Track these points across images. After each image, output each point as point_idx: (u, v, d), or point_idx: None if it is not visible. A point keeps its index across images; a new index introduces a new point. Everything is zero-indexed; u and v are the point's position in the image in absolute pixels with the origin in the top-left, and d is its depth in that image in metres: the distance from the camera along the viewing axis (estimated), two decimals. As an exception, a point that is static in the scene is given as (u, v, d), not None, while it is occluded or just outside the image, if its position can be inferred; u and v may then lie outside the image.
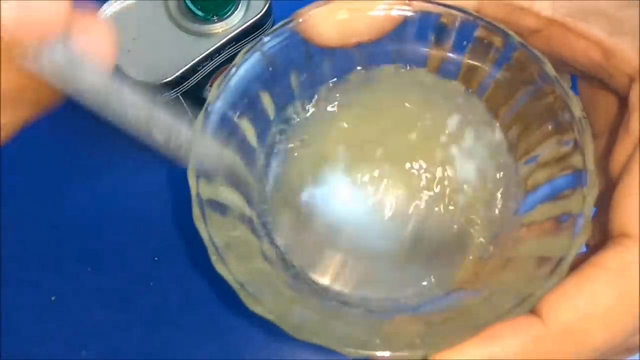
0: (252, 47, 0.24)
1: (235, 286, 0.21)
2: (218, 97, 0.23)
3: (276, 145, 0.27)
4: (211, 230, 0.21)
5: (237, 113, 0.24)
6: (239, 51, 0.32)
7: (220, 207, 0.23)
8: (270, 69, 0.25)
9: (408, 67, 0.27)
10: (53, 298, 0.36)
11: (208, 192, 0.22)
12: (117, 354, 0.35)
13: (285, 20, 0.24)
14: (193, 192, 0.22)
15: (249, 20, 0.31)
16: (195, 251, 0.36)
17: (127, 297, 0.36)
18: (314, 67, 0.26)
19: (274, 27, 0.24)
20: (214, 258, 0.21)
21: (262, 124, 0.26)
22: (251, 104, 0.25)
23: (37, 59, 0.16)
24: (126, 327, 0.35)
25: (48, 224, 0.38)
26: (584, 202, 0.21)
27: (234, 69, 0.24)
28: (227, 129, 0.24)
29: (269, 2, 0.31)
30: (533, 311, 0.20)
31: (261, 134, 0.26)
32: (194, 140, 0.21)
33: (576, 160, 0.22)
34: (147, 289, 0.36)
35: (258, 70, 0.25)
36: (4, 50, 0.16)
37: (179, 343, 0.35)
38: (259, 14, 0.31)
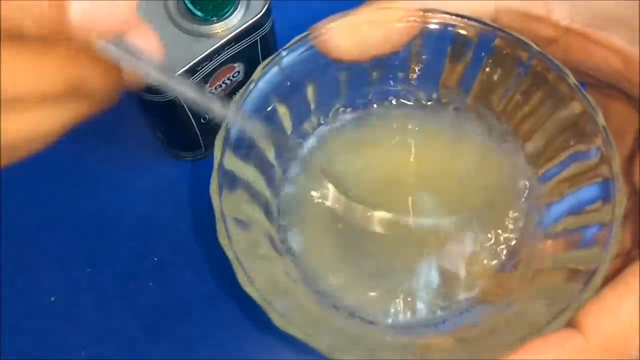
0: (270, 62, 0.24)
1: (265, 305, 0.21)
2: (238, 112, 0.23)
3: (293, 160, 0.27)
4: (237, 250, 0.21)
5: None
6: (239, 51, 0.32)
7: (244, 225, 0.22)
8: (288, 83, 0.25)
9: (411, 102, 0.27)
10: (53, 298, 0.36)
11: (231, 209, 0.22)
12: (117, 354, 0.35)
13: (303, 35, 0.24)
14: (217, 209, 0.21)
15: (248, 21, 0.31)
16: (195, 251, 0.37)
17: (127, 297, 0.36)
18: (331, 82, 0.26)
19: (292, 41, 0.24)
20: (242, 279, 0.21)
21: (279, 138, 0.26)
22: (269, 119, 0.25)
23: (106, 48, 0.19)
24: (126, 327, 0.35)
25: (48, 225, 0.38)
26: (614, 212, 0.21)
27: (252, 84, 0.24)
28: (247, 143, 0.24)
29: (268, 2, 0.31)
30: (570, 324, 0.20)
31: (279, 149, 0.26)
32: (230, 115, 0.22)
33: (603, 169, 0.22)
34: (147, 289, 0.36)
35: (276, 84, 0.25)
36: (77, 40, 0.18)
37: (179, 343, 0.35)
38: (258, 14, 0.31)
